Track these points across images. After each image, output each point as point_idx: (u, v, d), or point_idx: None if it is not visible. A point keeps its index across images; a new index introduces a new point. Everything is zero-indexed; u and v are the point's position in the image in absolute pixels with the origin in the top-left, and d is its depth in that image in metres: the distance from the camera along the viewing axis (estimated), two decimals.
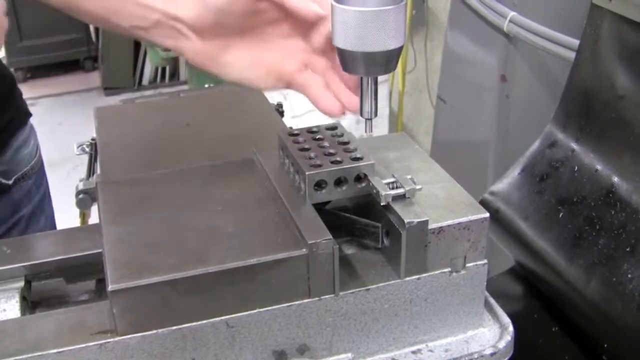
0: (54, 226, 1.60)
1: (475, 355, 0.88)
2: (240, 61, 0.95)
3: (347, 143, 0.92)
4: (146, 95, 5.11)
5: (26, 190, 1.48)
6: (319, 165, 0.87)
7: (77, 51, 5.55)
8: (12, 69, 5.29)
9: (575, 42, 1.18)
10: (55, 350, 0.76)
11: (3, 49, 5.42)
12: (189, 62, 0.97)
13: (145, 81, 5.51)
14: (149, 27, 0.96)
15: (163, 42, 0.97)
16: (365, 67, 0.82)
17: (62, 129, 4.48)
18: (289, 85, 0.96)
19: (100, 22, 0.99)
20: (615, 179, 1.06)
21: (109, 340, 0.77)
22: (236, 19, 0.92)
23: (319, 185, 0.86)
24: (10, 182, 1.43)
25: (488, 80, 2.32)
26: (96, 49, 5.51)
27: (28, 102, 1.51)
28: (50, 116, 4.78)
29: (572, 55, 1.19)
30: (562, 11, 2.09)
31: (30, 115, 1.51)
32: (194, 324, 0.79)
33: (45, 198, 1.57)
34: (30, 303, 0.93)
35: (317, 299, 0.82)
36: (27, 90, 4.89)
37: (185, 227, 0.86)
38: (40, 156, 1.54)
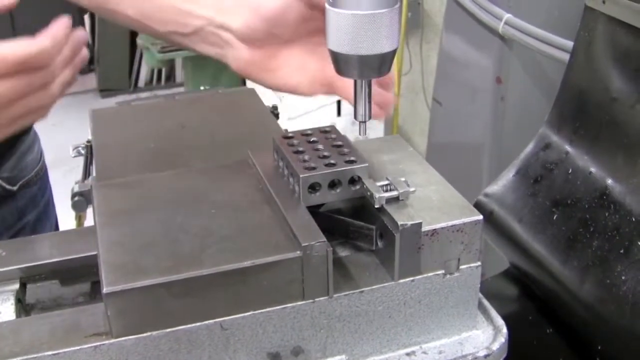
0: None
1: (469, 357, 0.88)
2: (286, 69, 0.95)
3: (341, 146, 0.92)
4: (142, 97, 5.11)
5: (31, 196, 1.48)
6: (313, 168, 0.87)
7: None
8: None
9: (571, 44, 1.18)
10: (50, 353, 0.76)
11: None
12: (232, 69, 0.96)
13: (141, 83, 5.52)
14: (189, 33, 0.95)
15: (204, 50, 0.96)
16: (359, 70, 0.82)
17: (57, 131, 4.47)
18: (330, 91, 0.96)
19: (134, 26, 0.99)
20: (609, 180, 1.07)
21: (103, 342, 0.77)
22: (287, 28, 0.91)
23: (313, 187, 0.87)
24: (15, 188, 1.43)
25: (483, 82, 2.32)
26: (92, 51, 5.51)
27: None
28: (46, 118, 4.77)
29: (567, 57, 1.20)
30: (557, 13, 2.10)
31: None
32: (189, 326, 0.79)
33: (50, 204, 1.58)
34: (26, 305, 0.93)
35: (311, 301, 0.82)
36: None
37: (180, 229, 0.86)
38: (44, 162, 1.54)
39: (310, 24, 0.92)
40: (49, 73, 0.99)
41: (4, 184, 1.40)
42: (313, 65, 0.95)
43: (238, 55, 0.94)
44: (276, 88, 0.97)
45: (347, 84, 0.93)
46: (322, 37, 0.94)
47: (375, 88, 0.91)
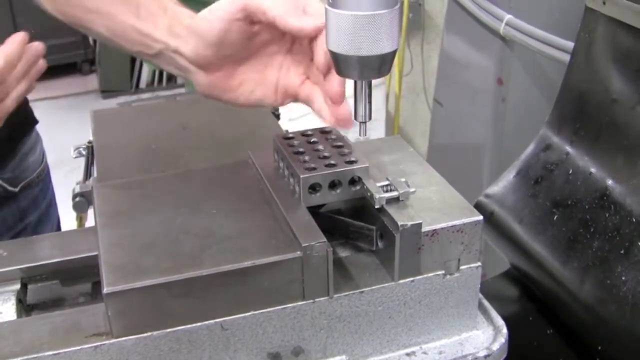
0: None
1: (469, 358, 0.89)
2: (247, 85, 0.95)
3: (341, 146, 0.92)
4: (143, 98, 5.11)
5: (32, 198, 1.48)
6: (314, 169, 0.87)
7: (75, 54, 5.54)
8: None
9: (572, 45, 1.18)
10: (50, 353, 0.77)
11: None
12: (199, 94, 0.97)
13: (142, 84, 5.51)
14: (153, 55, 0.96)
15: (171, 71, 0.98)
16: (359, 70, 0.82)
17: (59, 132, 4.47)
18: (296, 98, 0.96)
19: (109, 43, 1.00)
20: (609, 181, 1.07)
21: (104, 342, 0.78)
22: (234, 48, 0.92)
23: (314, 188, 0.87)
24: (17, 189, 1.43)
25: (484, 83, 2.32)
26: (93, 52, 5.51)
27: None
28: (47, 119, 4.77)
29: (568, 58, 1.20)
30: (557, 14, 2.10)
31: (36, 122, 1.51)
32: (189, 326, 0.79)
33: (51, 206, 1.58)
34: (26, 306, 0.93)
35: (311, 301, 0.82)
36: None
37: (180, 229, 0.86)
38: (46, 163, 1.54)
39: (259, 38, 0.93)
40: (3, 89, 1.01)
41: (5, 185, 1.40)
42: (272, 76, 0.96)
43: (198, 79, 0.95)
44: (242, 105, 0.97)
45: (311, 91, 0.94)
46: (275, 48, 0.94)
47: (328, 105, 0.91)
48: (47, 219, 1.56)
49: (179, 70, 0.96)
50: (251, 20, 0.89)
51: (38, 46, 1.18)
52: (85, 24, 1.02)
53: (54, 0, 1.05)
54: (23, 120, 1.45)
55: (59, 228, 1.61)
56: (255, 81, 0.95)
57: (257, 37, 0.92)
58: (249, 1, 0.87)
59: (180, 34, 0.93)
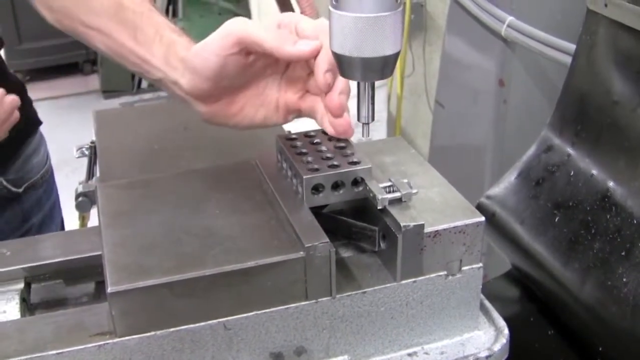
0: None
1: (471, 358, 0.89)
2: (249, 109, 0.96)
3: (344, 147, 0.92)
4: (145, 98, 5.12)
5: (36, 199, 1.48)
6: (317, 169, 0.87)
7: (76, 54, 5.54)
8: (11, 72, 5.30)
9: (573, 47, 1.18)
10: (54, 352, 0.77)
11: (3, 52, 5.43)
12: (203, 121, 0.97)
13: (144, 84, 5.51)
14: (155, 80, 0.96)
15: (173, 97, 0.97)
16: (362, 72, 0.82)
17: (60, 132, 4.48)
18: (299, 113, 0.97)
19: (110, 59, 1.00)
20: (611, 183, 1.07)
21: (107, 341, 0.78)
22: (231, 79, 0.92)
23: (317, 189, 0.87)
24: (21, 190, 1.43)
25: (486, 85, 2.32)
26: (95, 52, 5.50)
27: None
28: (49, 119, 4.78)
29: (569, 60, 1.20)
30: (559, 16, 2.10)
31: (40, 123, 1.51)
32: (192, 325, 0.80)
33: (55, 207, 1.58)
34: (30, 305, 0.94)
35: (314, 301, 0.83)
36: None
37: (184, 230, 0.86)
38: (50, 165, 1.54)
39: (254, 66, 0.93)
40: None
41: (9, 186, 1.40)
42: (273, 97, 0.96)
43: (199, 108, 0.95)
44: (248, 127, 0.98)
45: (312, 103, 0.94)
46: (271, 71, 0.95)
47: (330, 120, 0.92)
48: (51, 220, 1.56)
49: (179, 99, 0.96)
50: (247, 52, 0.89)
51: (13, 99, 1.19)
52: (84, 38, 1.01)
53: (53, 11, 1.04)
54: (27, 121, 1.45)
55: (62, 229, 1.61)
56: (256, 104, 0.96)
57: (253, 65, 0.92)
58: (242, 34, 0.87)
59: (177, 67, 0.93)
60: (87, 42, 1.01)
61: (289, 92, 0.95)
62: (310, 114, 0.95)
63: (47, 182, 1.53)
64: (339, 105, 0.89)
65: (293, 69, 0.95)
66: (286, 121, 0.98)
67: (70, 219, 1.64)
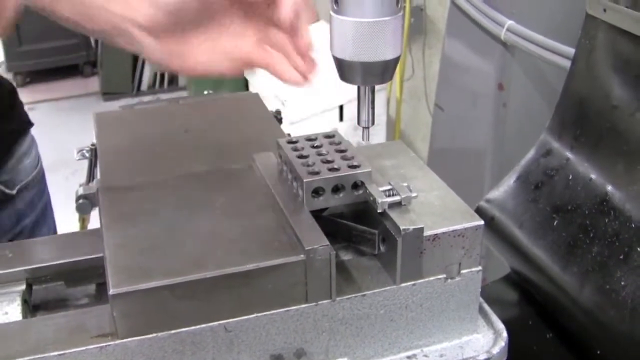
0: None
1: None
2: (197, 50, 0.95)
3: (344, 151, 0.93)
4: (144, 100, 5.12)
5: (29, 200, 1.48)
6: (317, 173, 0.88)
7: (76, 56, 5.56)
8: (11, 74, 5.31)
9: (573, 51, 1.19)
10: (56, 353, 0.77)
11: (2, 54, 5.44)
12: (150, 62, 0.96)
13: (144, 86, 5.53)
14: (111, 30, 0.96)
15: (125, 46, 0.96)
16: (362, 76, 0.83)
17: (60, 134, 4.48)
18: (249, 64, 0.96)
19: (78, 28, 0.99)
20: (609, 187, 1.07)
21: (109, 343, 0.78)
22: (189, 16, 0.92)
23: (317, 192, 0.88)
24: (14, 192, 1.43)
25: (485, 89, 2.33)
26: (95, 54, 5.52)
27: (27, 106, 1.52)
28: (49, 120, 4.79)
29: (568, 64, 1.20)
30: (559, 20, 2.11)
31: (31, 124, 1.51)
32: (193, 327, 0.80)
33: (47, 208, 1.58)
34: (31, 306, 0.94)
35: (314, 304, 0.83)
36: (26, 95, 4.90)
37: (185, 232, 0.87)
38: (41, 166, 1.54)
39: (215, 6, 0.93)
40: None
41: (2, 188, 1.40)
42: (225, 43, 0.95)
43: (152, 47, 0.94)
44: (191, 71, 0.97)
45: (266, 55, 0.94)
46: (230, 17, 0.94)
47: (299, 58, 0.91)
48: (44, 222, 1.56)
49: (132, 44, 0.94)
50: None
51: None
52: (55, 9, 1.00)
53: None
54: (19, 122, 1.46)
55: (55, 231, 1.61)
56: (206, 49, 0.95)
57: (212, 5, 0.92)
58: None
59: (133, 4, 0.92)
60: (55, 17, 1.00)
61: (242, 44, 0.95)
62: (265, 66, 0.95)
63: (39, 184, 1.52)
64: (308, 43, 0.90)
65: (251, 18, 0.95)
66: (235, 72, 0.97)
67: (69, 221, 1.64)
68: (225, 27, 0.96)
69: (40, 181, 1.53)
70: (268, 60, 0.95)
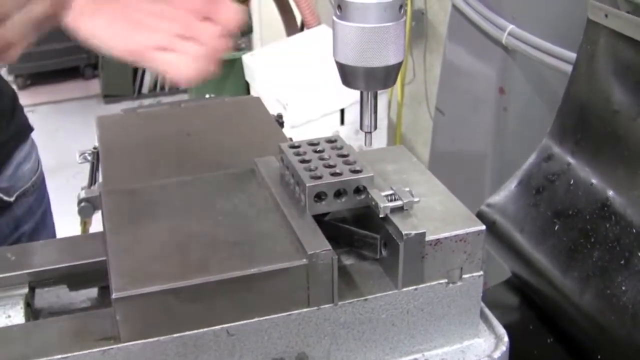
0: None
1: None
2: (100, 21, 0.91)
3: (346, 155, 0.93)
4: (145, 103, 5.13)
5: (28, 207, 1.47)
6: (319, 177, 0.88)
7: (77, 58, 5.56)
8: (12, 76, 5.32)
9: (574, 56, 1.19)
10: (59, 356, 0.78)
11: None
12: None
13: (145, 89, 5.53)
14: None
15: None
16: (365, 82, 0.83)
17: (60, 136, 4.48)
18: (140, 60, 0.92)
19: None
20: (610, 192, 1.08)
21: (112, 346, 0.79)
22: None
23: (319, 196, 0.88)
24: (12, 199, 1.42)
25: (486, 93, 2.33)
26: (96, 57, 5.51)
27: (27, 109, 1.51)
28: (49, 123, 4.79)
29: (570, 69, 1.21)
30: (560, 25, 2.11)
31: (31, 130, 1.50)
32: (195, 331, 0.80)
33: (47, 213, 1.57)
34: (34, 310, 0.94)
35: (316, 308, 0.84)
36: (27, 97, 4.90)
37: (188, 236, 0.87)
38: (41, 171, 1.53)
39: None
40: None
41: (1, 195, 1.39)
42: (120, 29, 0.91)
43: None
44: (82, 33, 0.91)
45: (155, 56, 0.90)
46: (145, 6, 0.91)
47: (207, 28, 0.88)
48: (43, 227, 1.55)
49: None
50: None
51: None
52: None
53: None
54: (19, 128, 1.45)
55: (54, 236, 1.60)
56: (105, 22, 0.91)
57: None
58: None
59: None
60: None
61: (139, 35, 0.91)
62: (154, 66, 0.92)
63: (39, 190, 1.51)
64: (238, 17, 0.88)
65: (161, 22, 0.91)
66: (120, 53, 0.92)
67: (68, 224, 1.64)
68: (136, 17, 0.91)
69: (39, 187, 1.52)
70: (159, 62, 0.90)
